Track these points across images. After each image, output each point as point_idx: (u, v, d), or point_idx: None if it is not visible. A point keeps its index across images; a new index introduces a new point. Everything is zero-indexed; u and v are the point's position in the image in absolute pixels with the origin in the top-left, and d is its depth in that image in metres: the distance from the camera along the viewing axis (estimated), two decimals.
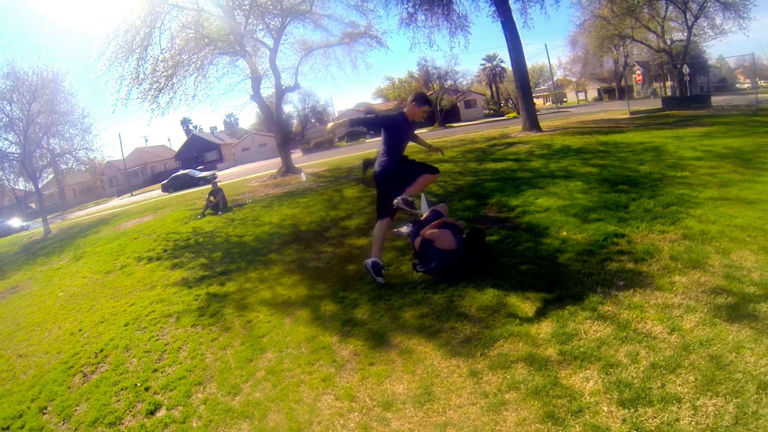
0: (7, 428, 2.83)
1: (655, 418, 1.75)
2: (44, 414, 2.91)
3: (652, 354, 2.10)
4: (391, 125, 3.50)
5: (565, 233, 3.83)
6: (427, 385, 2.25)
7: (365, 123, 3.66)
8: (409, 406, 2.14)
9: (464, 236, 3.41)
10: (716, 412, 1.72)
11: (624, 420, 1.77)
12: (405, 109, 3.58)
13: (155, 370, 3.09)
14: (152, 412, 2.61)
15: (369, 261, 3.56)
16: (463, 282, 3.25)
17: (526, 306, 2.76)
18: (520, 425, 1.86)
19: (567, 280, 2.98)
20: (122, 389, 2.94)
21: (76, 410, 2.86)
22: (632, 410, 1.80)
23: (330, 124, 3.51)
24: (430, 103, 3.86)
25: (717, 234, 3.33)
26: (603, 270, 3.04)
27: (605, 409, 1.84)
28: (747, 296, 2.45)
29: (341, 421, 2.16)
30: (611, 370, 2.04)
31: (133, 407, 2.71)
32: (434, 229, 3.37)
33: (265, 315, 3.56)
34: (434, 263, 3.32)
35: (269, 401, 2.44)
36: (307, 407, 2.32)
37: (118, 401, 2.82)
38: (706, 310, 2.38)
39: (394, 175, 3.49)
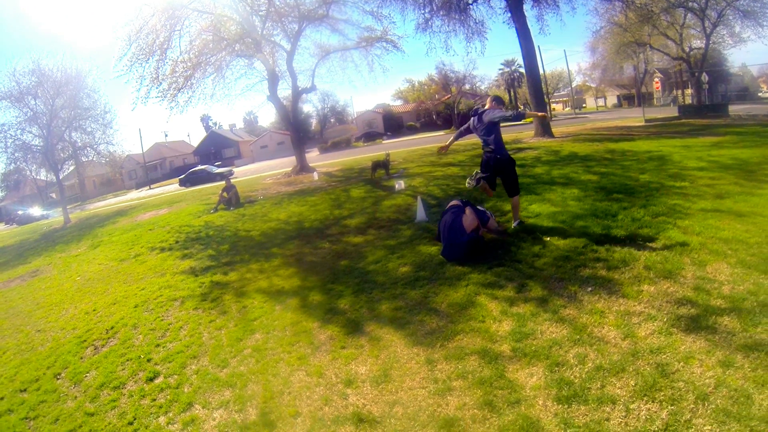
0: (25, 390, 3.24)
1: (586, 416, 1.84)
2: (58, 379, 3.31)
3: (600, 357, 2.18)
4: None
5: (547, 239, 3.95)
6: (387, 369, 2.49)
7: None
8: (367, 385, 2.39)
9: (478, 235, 4.06)
10: (648, 417, 1.77)
11: (556, 414, 1.89)
12: (487, 106, 4.41)
13: (158, 345, 3.46)
14: (151, 379, 2.97)
15: (482, 179, 4.32)
16: (440, 280, 3.46)
17: (492, 305, 2.94)
18: (460, 409, 2.06)
19: (538, 284, 3.11)
20: (127, 360, 3.32)
21: (86, 376, 3.24)
22: (566, 406, 1.91)
23: (532, 110, 3.97)
24: (504, 104, 4.53)
25: (698, 245, 3.28)
26: (575, 276, 3.13)
27: (540, 402, 1.98)
28: (711, 309, 2.43)
29: (307, 393, 2.45)
30: (556, 369, 2.17)
31: (135, 375, 3.09)
32: (471, 212, 4.07)
33: (260, 302, 3.87)
34: (445, 240, 4.00)
35: (251, 374, 2.76)
36: (281, 380, 2.62)
37: (123, 370, 3.20)
38: (665, 319, 2.40)
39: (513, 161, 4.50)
